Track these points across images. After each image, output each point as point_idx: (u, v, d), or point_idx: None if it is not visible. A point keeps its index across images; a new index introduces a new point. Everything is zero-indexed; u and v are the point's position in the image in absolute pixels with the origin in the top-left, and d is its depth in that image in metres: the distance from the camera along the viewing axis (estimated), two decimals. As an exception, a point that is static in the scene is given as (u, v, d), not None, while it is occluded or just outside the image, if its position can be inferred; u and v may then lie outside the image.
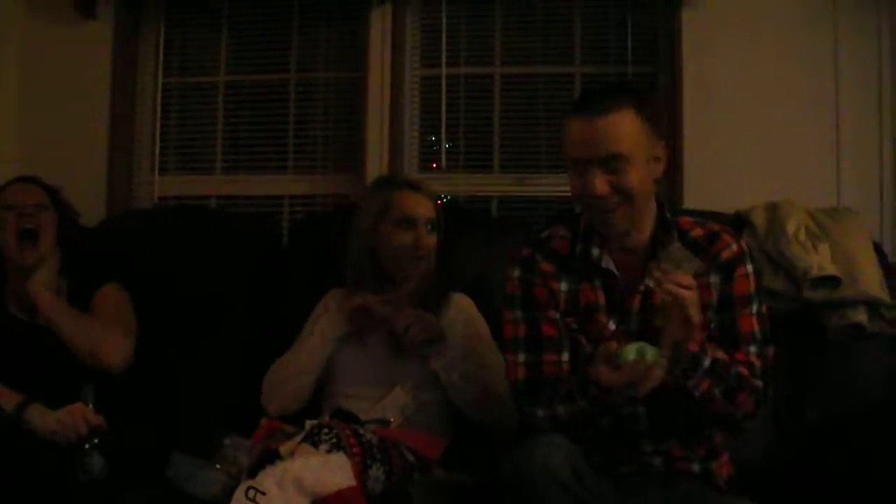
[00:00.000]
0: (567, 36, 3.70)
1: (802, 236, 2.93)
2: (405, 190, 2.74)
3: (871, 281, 2.88)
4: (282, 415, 2.60)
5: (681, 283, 1.96)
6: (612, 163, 2.08)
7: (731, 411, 2.11)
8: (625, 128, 2.08)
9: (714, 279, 2.20)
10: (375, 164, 3.58)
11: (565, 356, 2.21)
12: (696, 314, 1.97)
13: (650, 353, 1.93)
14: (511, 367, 2.25)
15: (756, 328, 2.18)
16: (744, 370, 2.12)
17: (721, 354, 2.08)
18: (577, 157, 2.10)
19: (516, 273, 2.29)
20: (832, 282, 2.85)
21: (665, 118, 2.15)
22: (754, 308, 2.19)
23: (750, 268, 2.21)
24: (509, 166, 3.71)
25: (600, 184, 2.09)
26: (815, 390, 2.83)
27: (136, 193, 3.87)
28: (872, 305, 2.86)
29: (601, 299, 2.22)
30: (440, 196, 2.84)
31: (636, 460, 2.22)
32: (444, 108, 3.75)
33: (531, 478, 1.89)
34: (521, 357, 2.23)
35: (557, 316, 2.23)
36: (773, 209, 3.05)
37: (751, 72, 3.43)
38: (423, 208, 2.70)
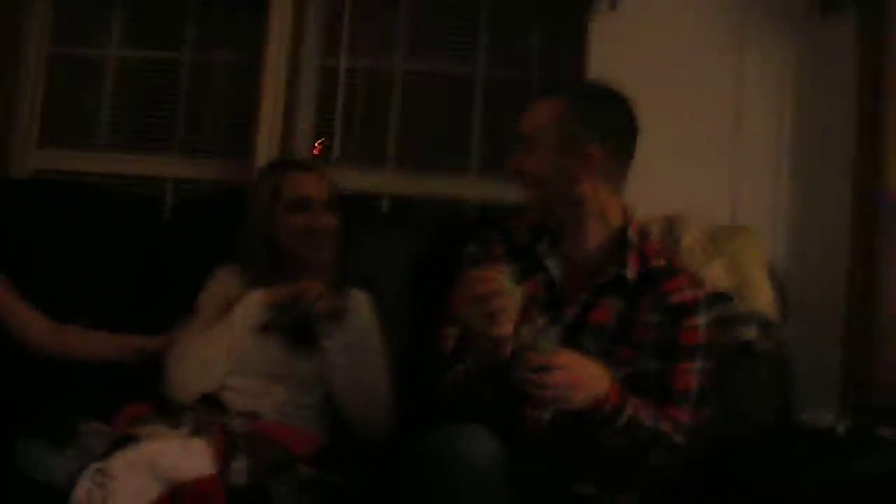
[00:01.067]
0: (472, 36, 3.62)
1: (698, 251, 2.89)
2: (295, 171, 2.62)
3: (764, 299, 2.85)
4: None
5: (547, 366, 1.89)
6: (523, 142, 2.17)
7: (640, 460, 2.05)
8: (541, 114, 2.16)
9: (654, 318, 2.11)
10: (266, 152, 3.45)
11: None
12: (576, 398, 1.91)
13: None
14: (443, 340, 2.23)
15: (693, 386, 2.09)
16: (665, 426, 2.03)
17: (642, 412, 2.00)
18: None
19: (471, 249, 2.31)
20: (724, 298, 2.80)
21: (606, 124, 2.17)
22: (697, 364, 2.10)
23: (702, 320, 2.13)
24: (405, 164, 3.63)
25: (513, 159, 2.20)
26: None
27: (12, 166, 3.66)
28: (763, 324, 2.83)
29: (540, 294, 2.16)
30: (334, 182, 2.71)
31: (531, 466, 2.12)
32: (340, 100, 3.65)
33: (448, 464, 1.80)
34: (453, 331, 2.20)
35: None
36: (669, 222, 3.00)
37: (654, 85, 3.31)
38: (315, 189, 2.58)
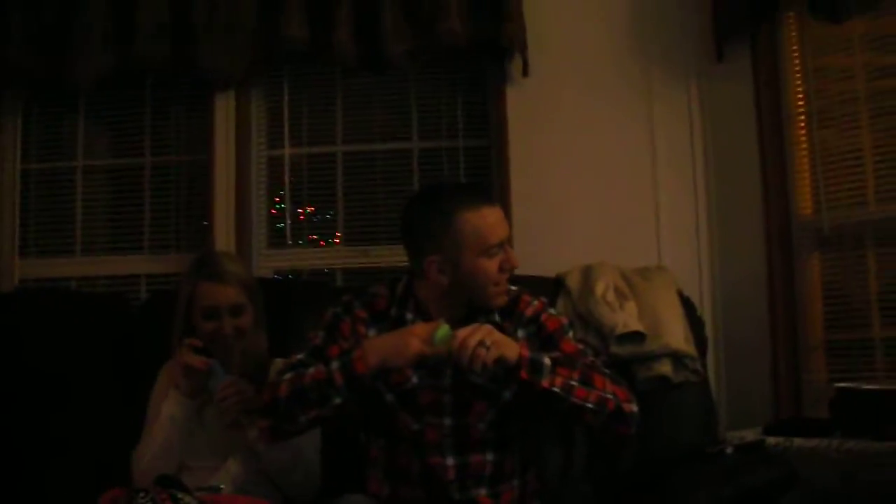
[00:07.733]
0: (404, 114, 3.90)
1: (611, 296, 3.10)
2: (207, 282, 2.81)
3: (675, 335, 3.05)
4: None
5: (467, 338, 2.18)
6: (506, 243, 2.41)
7: (601, 396, 2.27)
8: None
9: (521, 334, 2.42)
10: (223, 242, 3.74)
11: None
12: (509, 343, 2.22)
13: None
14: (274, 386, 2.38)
15: (580, 346, 2.44)
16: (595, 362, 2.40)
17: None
18: (501, 239, 2.37)
19: (332, 310, 2.49)
20: (638, 337, 3.02)
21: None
22: (571, 334, 2.46)
23: (552, 311, 2.51)
24: (353, 240, 3.89)
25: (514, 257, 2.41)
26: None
27: (-3, 277, 3.95)
28: (677, 357, 3.03)
29: None
30: (247, 277, 2.90)
31: None
32: (287, 186, 3.93)
33: None
34: (289, 375, 2.36)
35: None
36: (587, 271, 3.22)
37: (573, 144, 3.66)
38: (223, 297, 2.78)
